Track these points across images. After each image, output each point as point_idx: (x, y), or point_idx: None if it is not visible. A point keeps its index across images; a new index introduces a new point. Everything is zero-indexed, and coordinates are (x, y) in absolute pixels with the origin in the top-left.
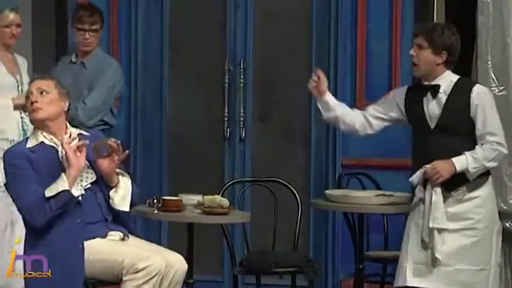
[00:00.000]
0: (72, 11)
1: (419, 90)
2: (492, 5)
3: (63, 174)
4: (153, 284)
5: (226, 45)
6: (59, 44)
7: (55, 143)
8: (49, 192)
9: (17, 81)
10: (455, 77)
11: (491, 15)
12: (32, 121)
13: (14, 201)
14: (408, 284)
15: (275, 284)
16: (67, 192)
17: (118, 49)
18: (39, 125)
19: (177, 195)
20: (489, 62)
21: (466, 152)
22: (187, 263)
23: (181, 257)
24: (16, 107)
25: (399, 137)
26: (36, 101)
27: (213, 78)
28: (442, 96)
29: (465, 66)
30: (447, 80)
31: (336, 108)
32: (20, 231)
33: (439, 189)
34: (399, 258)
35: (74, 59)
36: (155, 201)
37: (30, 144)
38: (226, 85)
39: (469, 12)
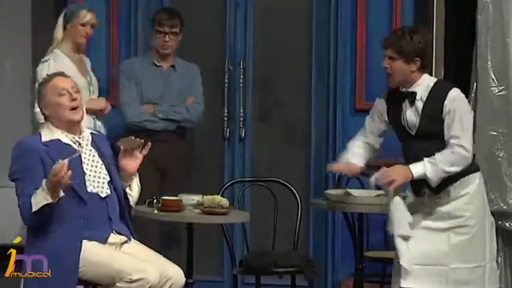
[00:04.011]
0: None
1: (397, 96)
2: (492, 5)
3: (45, 184)
4: None
5: (225, 45)
6: None
7: (72, 141)
8: (35, 206)
9: (88, 83)
10: (432, 81)
11: (491, 15)
12: (66, 120)
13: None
14: (403, 286)
15: (275, 284)
16: (50, 204)
17: (118, 49)
18: (72, 125)
19: (176, 195)
20: (489, 62)
21: (425, 159)
22: (187, 263)
23: (180, 270)
24: (88, 111)
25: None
26: (76, 98)
27: (212, 78)
28: (419, 104)
29: (465, 66)
30: (424, 85)
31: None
32: None
33: (397, 198)
34: (393, 261)
35: (157, 63)
36: (155, 201)
37: (45, 138)
38: (226, 85)
39: (469, 12)
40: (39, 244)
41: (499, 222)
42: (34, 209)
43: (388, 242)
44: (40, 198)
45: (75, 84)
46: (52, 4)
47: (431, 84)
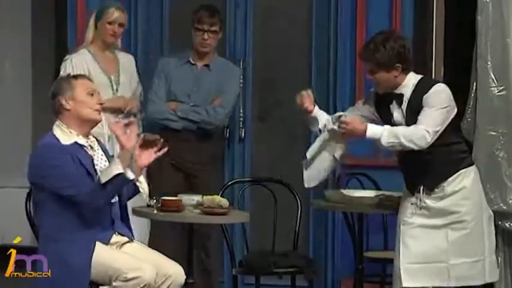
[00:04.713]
0: (71, 9)
1: (385, 96)
2: (492, 5)
3: (116, 157)
4: None
5: (225, 45)
6: (58, 43)
7: (89, 145)
8: (104, 177)
9: (110, 81)
10: (416, 79)
11: (491, 15)
12: (87, 118)
13: (56, 191)
14: (404, 285)
15: (275, 284)
16: (122, 175)
17: None
18: (90, 124)
19: (176, 196)
20: (489, 62)
21: (387, 126)
22: (187, 263)
23: (181, 269)
24: (105, 110)
25: None
26: (103, 104)
27: None
28: (405, 104)
29: (465, 66)
30: (409, 85)
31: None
32: None
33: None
34: (393, 262)
35: (192, 61)
36: (155, 201)
37: (65, 141)
38: None
39: (469, 12)
40: (51, 247)
41: (499, 222)
42: (103, 180)
43: (387, 242)
44: (109, 170)
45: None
46: (52, 4)
47: (415, 83)
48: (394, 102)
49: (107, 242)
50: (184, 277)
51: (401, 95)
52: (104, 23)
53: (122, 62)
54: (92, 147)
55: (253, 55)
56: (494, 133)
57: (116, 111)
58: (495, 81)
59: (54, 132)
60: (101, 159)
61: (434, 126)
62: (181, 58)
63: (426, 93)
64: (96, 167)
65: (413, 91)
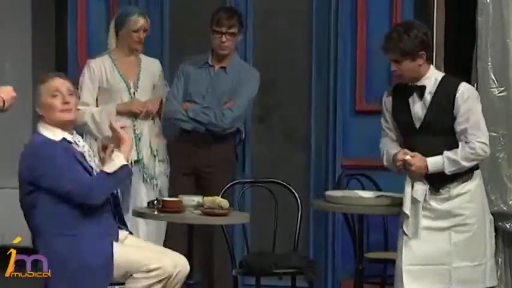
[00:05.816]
0: (71, 9)
1: (404, 90)
2: (492, 6)
3: (117, 151)
4: (163, 285)
5: None
6: (58, 43)
7: (75, 141)
8: (108, 168)
9: (128, 85)
10: (439, 75)
11: (491, 16)
12: (57, 120)
13: (54, 189)
14: (406, 287)
15: (275, 285)
16: (126, 166)
17: None
18: (64, 125)
19: (177, 196)
20: (489, 63)
21: (445, 153)
22: (188, 264)
23: (185, 259)
24: (120, 113)
25: None
26: (69, 102)
27: None
28: (428, 97)
29: (465, 67)
30: (432, 79)
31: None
32: None
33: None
34: (395, 263)
35: (210, 62)
36: (155, 202)
37: (54, 137)
38: None
39: (469, 12)
40: (61, 244)
41: (499, 223)
42: (109, 170)
43: (388, 243)
44: (113, 163)
45: (71, 87)
46: (52, 4)
47: (439, 78)
48: (414, 94)
49: (117, 239)
50: (189, 268)
51: (423, 87)
52: (129, 30)
53: (144, 66)
54: (77, 144)
55: (253, 55)
56: (494, 134)
57: (133, 114)
58: (495, 82)
59: (40, 132)
60: (90, 155)
61: (484, 132)
62: (201, 59)
63: (456, 90)
64: (90, 163)
65: (440, 86)
